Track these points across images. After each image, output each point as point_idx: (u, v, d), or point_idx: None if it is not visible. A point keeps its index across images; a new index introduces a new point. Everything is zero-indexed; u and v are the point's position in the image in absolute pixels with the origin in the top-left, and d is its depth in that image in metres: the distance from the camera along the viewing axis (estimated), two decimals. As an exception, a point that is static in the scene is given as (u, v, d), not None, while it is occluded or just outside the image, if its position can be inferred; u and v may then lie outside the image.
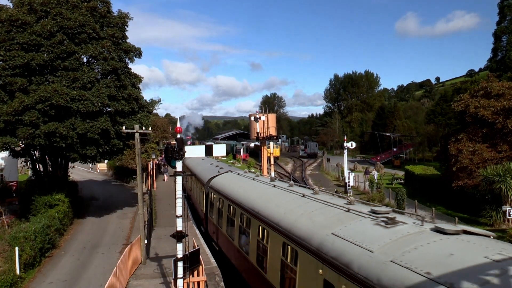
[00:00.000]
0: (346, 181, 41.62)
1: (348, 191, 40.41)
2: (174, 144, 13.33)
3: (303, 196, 12.66)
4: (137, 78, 31.08)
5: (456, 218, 25.62)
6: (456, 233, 6.96)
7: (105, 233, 27.74)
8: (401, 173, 53.35)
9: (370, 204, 11.18)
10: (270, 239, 11.99)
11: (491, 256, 5.76)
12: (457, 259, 5.87)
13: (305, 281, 9.29)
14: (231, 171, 23.98)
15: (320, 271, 8.54)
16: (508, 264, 5.46)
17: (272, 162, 37.88)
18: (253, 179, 19.09)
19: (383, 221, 8.34)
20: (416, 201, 30.65)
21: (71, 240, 26.06)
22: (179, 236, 12.80)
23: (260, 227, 13.21)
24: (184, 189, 16.93)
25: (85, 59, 28.00)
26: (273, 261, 11.63)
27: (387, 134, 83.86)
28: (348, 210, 9.84)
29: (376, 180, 42.21)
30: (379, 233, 7.75)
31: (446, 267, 5.70)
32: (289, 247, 10.53)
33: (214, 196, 21.36)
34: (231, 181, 20.17)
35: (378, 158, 77.73)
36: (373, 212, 9.06)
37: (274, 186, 15.72)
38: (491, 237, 6.86)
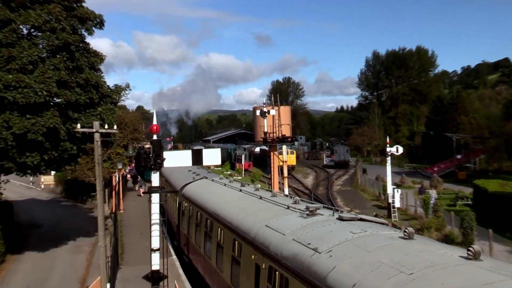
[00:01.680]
0: (390, 201, 41.45)
1: (392, 214, 40.22)
2: (149, 148, 13.34)
3: (260, 198, 17.56)
4: (98, 57, 31.18)
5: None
6: (351, 219, 12.33)
7: (51, 274, 27.75)
8: (468, 191, 52.99)
9: (312, 202, 16.85)
10: (225, 238, 16.93)
11: (355, 231, 10.86)
12: (332, 234, 11.08)
13: (245, 269, 14.37)
14: (206, 177, 27.93)
15: (253, 256, 13.70)
16: (359, 236, 10.44)
17: (285, 174, 37.92)
18: (225, 184, 23.76)
19: (306, 214, 13.38)
20: (490, 230, 30.42)
21: (2, 285, 26.08)
22: (155, 278, 12.80)
23: (219, 229, 17.87)
24: (163, 212, 17.20)
25: (25, 31, 28.13)
26: (227, 259, 16.51)
27: (448, 135, 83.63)
28: (288, 207, 14.79)
29: (433, 200, 42.02)
30: (297, 222, 12.91)
31: (321, 239, 10.87)
32: (236, 242, 15.53)
33: (185, 204, 25.78)
34: (203, 188, 24.67)
35: (435, 169, 77.36)
36: (306, 208, 13.99)
37: (240, 190, 20.46)
38: (389, 224, 11.26)
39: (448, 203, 47.68)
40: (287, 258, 11.42)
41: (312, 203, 15.83)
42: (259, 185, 21.38)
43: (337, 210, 13.78)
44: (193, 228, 23.32)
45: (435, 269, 7.97)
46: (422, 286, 7.50)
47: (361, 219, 12.46)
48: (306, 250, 10.80)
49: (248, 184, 22.73)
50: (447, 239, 32.94)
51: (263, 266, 12.96)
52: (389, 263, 8.57)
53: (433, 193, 45.35)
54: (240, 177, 67.94)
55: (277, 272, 12.07)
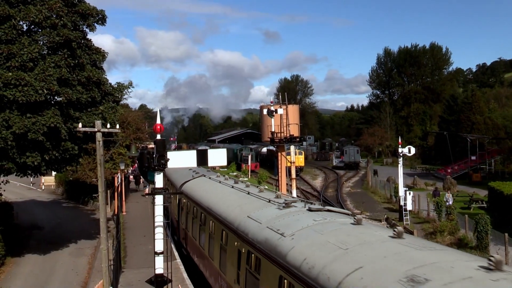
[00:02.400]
0: (402, 203, 41.35)
1: (404, 217, 40.13)
2: (152, 148, 13.38)
3: (248, 193, 19.92)
4: (100, 54, 31.30)
5: None
6: (319, 210, 14.39)
7: (52, 277, 27.88)
8: (482, 193, 52.86)
9: (298, 198, 19.44)
10: (215, 230, 19.86)
11: (316, 219, 12.99)
12: (298, 222, 13.20)
13: (230, 255, 16.96)
14: (205, 175, 30.10)
15: (236, 243, 16.09)
16: (319, 223, 12.65)
17: (293, 175, 37.90)
18: (220, 182, 26.20)
19: (282, 206, 15.51)
20: (506, 234, 30.28)
21: (4, 288, 26.25)
22: (158, 282, 12.84)
23: (211, 222, 20.69)
24: (167, 215, 17.37)
25: (25, 27, 28.27)
26: (217, 248, 19.40)
27: (462, 135, 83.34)
28: (269, 201, 17.02)
29: (450, 203, 41.87)
30: (273, 213, 15.09)
31: (288, 226, 13.05)
32: (224, 232, 18.20)
33: (184, 200, 28.43)
34: (200, 185, 27.25)
35: (449, 171, 77.20)
36: (284, 201, 16.10)
37: (232, 187, 23.05)
38: (352, 215, 13.80)
39: (462, 205, 47.52)
40: (260, 242, 13.80)
41: (293, 198, 19.10)
42: (249, 183, 24.03)
43: (310, 203, 16.00)
44: (191, 222, 26.01)
45: (364, 245, 10.49)
46: (351, 256, 9.99)
47: (328, 210, 14.67)
48: (275, 235, 13.17)
49: (242, 182, 25.02)
50: (461, 243, 32.85)
51: (243, 251, 15.41)
52: (334, 242, 11.04)
53: (449, 197, 45.10)
54: (246, 179, 68.01)
55: (252, 255, 14.50)
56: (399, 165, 44.19)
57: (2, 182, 35.50)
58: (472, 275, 7.92)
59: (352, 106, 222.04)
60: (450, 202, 43.71)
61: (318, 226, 12.58)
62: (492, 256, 8.11)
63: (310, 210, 14.45)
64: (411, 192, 44.49)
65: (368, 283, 8.61)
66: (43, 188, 65.87)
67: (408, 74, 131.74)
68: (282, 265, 11.91)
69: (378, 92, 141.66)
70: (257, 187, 22.74)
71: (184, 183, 30.09)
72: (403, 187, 43.42)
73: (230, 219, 17.55)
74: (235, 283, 16.39)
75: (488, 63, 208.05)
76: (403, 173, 45.25)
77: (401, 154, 43.23)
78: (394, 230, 10.95)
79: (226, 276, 17.70)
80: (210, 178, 28.80)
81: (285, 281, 11.71)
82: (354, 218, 12.69)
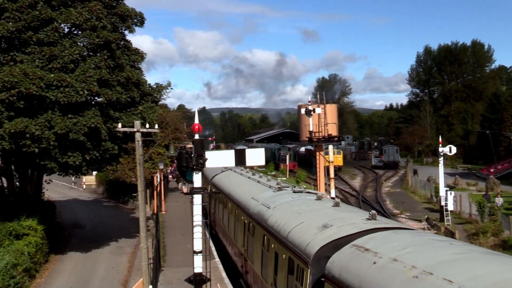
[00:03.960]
0: (443, 203, 40.71)
1: (445, 218, 39.48)
2: (191, 148, 13.42)
3: (258, 182, 25.69)
4: (138, 55, 31.66)
5: None
6: (300, 191, 19.79)
7: (94, 275, 28.28)
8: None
9: (295, 186, 25.13)
10: (232, 209, 25.53)
11: (293, 197, 18.57)
12: (282, 199, 18.62)
13: (239, 227, 23.04)
14: (231, 169, 34.59)
15: (242, 217, 22.18)
16: (294, 200, 18.14)
17: (332, 175, 37.65)
18: (241, 174, 31.67)
19: (276, 189, 21.02)
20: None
21: (46, 286, 26.73)
22: (197, 281, 12.87)
23: (229, 204, 26.64)
24: (205, 213, 17.58)
25: (66, 29, 28.76)
26: (232, 223, 25.48)
27: (506, 134, 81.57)
28: (270, 187, 22.39)
29: (501, 203, 40.89)
30: (269, 194, 20.50)
31: (274, 202, 18.62)
32: (236, 210, 24.21)
33: (213, 189, 33.45)
34: (226, 177, 33.02)
35: (492, 170, 75.56)
36: (278, 186, 21.70)
37: (249, 178, 28.51)
38: (322, 195, 18.97)
39: (506, 206, 46.48)
40: (255, 214, 19.50)
41: (287, 184, 24.27)
42: (262, 174, 31.14)
43: (296, 187, 21.90)
44: (218, 207, 31.97)
45: (312, 211, 15.72)
46: (301, 217, 15.23)
47: (307, 192, 20.21)
48: (264, 208, 18.75)
49: (257, 174, 30.92)
50: (505, 245, 32.13)
51: (246, 222, 21.29)
52: (296, 210, 16.34)
53: (499, 201, 44.24)
54: (284, 178, 67.86)
55: (251, 224, 20.20)
56: (440, 164, 43.51)
57: (45, 181, 36.28)
58: (356, 222, 13.33)
59: (391, 105, 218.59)
60: (501, 203, 42.97)
61: (292, 201, 17.95)
62: (372, 211, 14.02)
63: (294, 192, 19.95)
64: (452, 192, 43.78)
65: (303, 230, 14.09)
66: (84, 187, 66.92)
67: (449, 72, 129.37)
68: (264, 227, 17.55)
69: (418, 91, 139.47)
70: (268, 177, 28.49)
71: (214, 176, 35.64)
72: (444, 187, 42.73)
73: (241, 200, 23.53)
74: (242, 247, 22.26)
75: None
76: (444, 173, 44.54)
77: (441, 154, 42.56)
78: (334, 201, 16.36)
79: (237, 243, 23.60)
80: (235, 171, 33.79)
81: (265, 237, 17.53)
82: (317, 196, 18.24)
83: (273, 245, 16.21)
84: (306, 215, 15.16)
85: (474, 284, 7.67)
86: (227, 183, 30.70)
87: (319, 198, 17.66)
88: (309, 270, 12.40)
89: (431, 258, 9.25)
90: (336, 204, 15.71)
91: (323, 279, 11.63)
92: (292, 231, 14.49)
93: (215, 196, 32.60)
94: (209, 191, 31.86)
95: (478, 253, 9.66)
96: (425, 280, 8.42)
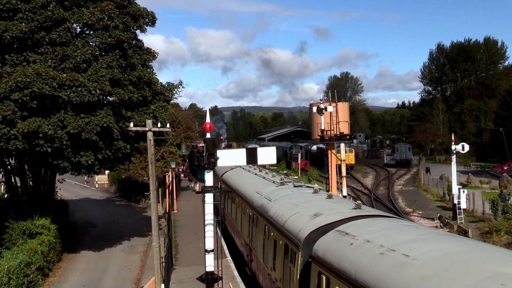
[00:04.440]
0: (455, 201, 40.52)
1: (458, 216, 39.29)
2: (202, 147, 13.45)
3: (264, 178, 27.18)
4: (150, 54, 31.77)
5: None
6: (300, 186, 21.81)
7: (106, 274, 28.44)
8: (541, 191, 51.17)
9: (298, 181, 27.23)
10: (239, 203, 27.53)
11: (292, 191, 20.36)
12: (282, 193, 20.54)
13: (245, 219, 24.98)
14: (240, 167, 35.41)
15: (247, 210, 24.22)
16: (293, 193, 19.94)
17: (344, 173, 37.59)
18: (248, 171, 33.62)
19: (279, 184, 22.80)
20: None
21: (59, 284, 26.91)
22: (209, 280, 12.92)
23: (237, 198, 28.62)
24: (216, 210, 17.49)
25: (78, 29, 28.92)
26: (239, 215, 27.50)
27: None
28: (273, 182, 24.14)
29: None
30: (272, 189, 22.32)
31: (275, 195, 20.49)
32: (242, 204, 26.23)
33: (223, 186, 36.18)
34: (235, 174, 34.94)
35: (505, 168, 75.05)
36: (280, 182, 23.52)
37: (256, 174, 30.71)
38: (316, 189, 20.14)
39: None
40: (259, 207, 21.19)
41: (289, 179, 26.20)
42: (268, 171, 32.22)
43: (296, 182, 24.03)
44: (227, 202, 33.98)
45: (308, 202, 17.32)
46: (297, 208, 16.76)
47: (307, 186, 21.93)
48: (266, 201, 20.41)
49: (264, 170, 32.87)
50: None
51: (250, 214, 23.24)
52: (294, 202, 17.85)
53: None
54: (296, 177, 67.79)
55: (255, 216, 22.12)
56: (453, 162, 43.31)
57: (58, 180, 36.50)
58: (343, 211, 14.69)
59: (403, 103, 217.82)
60: None
61: (291, 194, 19.58)
62: (358, 201, 15.78)
63: (294, 186, 21.77)
64: (465, 190, 43.56)
65: (297, 219, 15.56)
66: (96, 186, 67.31)
67: (461, 70, 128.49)
68: (266, 218, 19.17)
69: (430, 88, 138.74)
70: (273, 174, 30.46)
71: (224, 173, 37.39)
72: (457, 185, 42.53)
73: (246, 195, 25.36)
74: (247, 238, 24.25)
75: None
76: (457, 171, 44.33)
77: (454, 151, 42.38)
78: (329, 195, 17.96)
79: (244, 234, 25.60)
80: (243, 169, 35.43)
81: (266, 227, 19.14)
82: (314, 189, 19.77)
83: (272, 233, 17.95)
84: (302, 206, 16.84)
85: (425, 257, 9.53)
86: (235, 179, 32.70)
87: (315, 191, 19.30)
88: (300, 252, 14.02)
89: (396, 239, 11.06)
90: (329, 196, 17.68)
91: (310, 260, 13.24)
92: (288, 220, 16.21)
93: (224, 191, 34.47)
94: (219, 187, 32.34)
95: (436, 234, 11.71)
96: (388, 256, 10.22)
